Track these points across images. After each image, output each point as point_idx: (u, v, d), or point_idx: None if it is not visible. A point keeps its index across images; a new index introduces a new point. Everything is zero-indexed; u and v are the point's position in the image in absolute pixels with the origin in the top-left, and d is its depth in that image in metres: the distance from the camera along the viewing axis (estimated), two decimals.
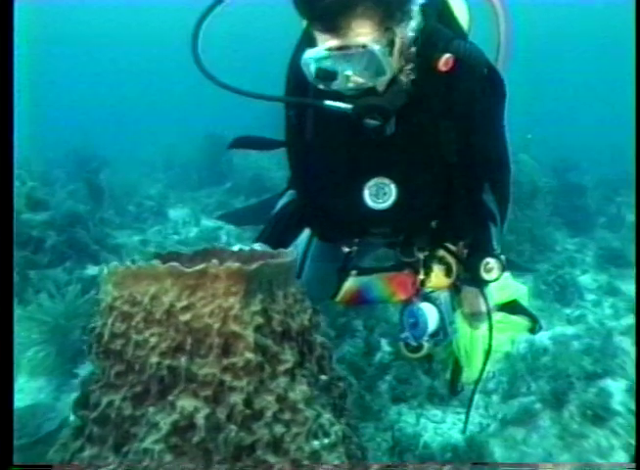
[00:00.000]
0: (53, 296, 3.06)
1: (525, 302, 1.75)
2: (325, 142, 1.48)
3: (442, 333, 1.60)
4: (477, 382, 1.66)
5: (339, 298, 1.66)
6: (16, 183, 4.46)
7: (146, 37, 24.59)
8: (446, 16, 1.53)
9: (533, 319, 1.71)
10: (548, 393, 2.84)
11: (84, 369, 2.91)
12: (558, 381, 2.92)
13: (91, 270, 3.98)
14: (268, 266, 1.14)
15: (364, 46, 1.22)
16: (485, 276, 1.55)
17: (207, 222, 6.20)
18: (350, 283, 1.65)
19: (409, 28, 1.32)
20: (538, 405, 2.80)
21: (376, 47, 1.23)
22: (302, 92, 1.42)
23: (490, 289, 1.63)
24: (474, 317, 1.64)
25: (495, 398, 2.95)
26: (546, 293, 4.45)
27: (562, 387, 2.86)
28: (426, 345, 1.60)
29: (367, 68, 1.27)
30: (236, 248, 1.54)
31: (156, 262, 1.10)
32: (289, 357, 1.13)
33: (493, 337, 1.60)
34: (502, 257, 1.58)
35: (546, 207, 5.91)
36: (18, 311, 3.05)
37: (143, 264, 1.10)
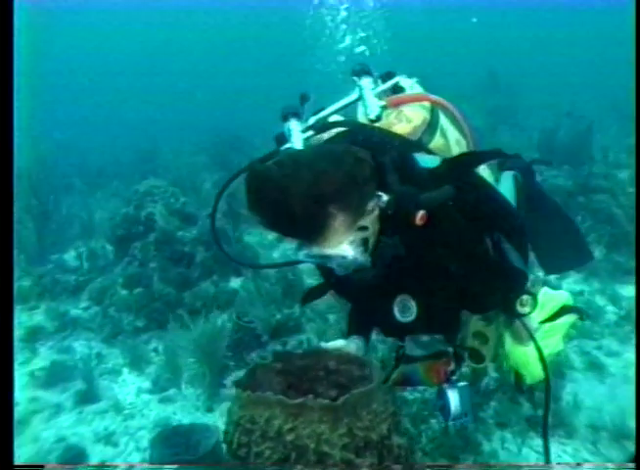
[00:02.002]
0: (202, 316, 3.71)
1: (570, 302, 1.94)
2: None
3: (464, 418, 1.86)
4: (547, 390, 1.80)
5: (391, 381, 1.95)
6: (171, 200, 5.24)
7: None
8: (409, 166, 1.62)
9: (579, 311, 1.93)
10: None
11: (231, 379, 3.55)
12: None
13: (234, 283, 4.64)
14: (353, 396, 1.47)
15: (343, 257, 1.45)
16: (522, 310, 1.74)
17: None
18: (401, 369, 1.96)
19: (381, 201, 1.49)
20: None
21: (350, 254, 1.45)
22: None
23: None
24: (522, 339, 1.86)
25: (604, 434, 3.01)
26: None
27: None
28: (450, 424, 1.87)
29: (348, 264, 1.50)
30: (336, 345, 1.90)
31: (269, 394, 1.48)
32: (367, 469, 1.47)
33: (546, 345, 1.83)
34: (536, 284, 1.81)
35: None
36: (173, 328, 3.78)
37: (260, 394, 1.49)
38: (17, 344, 4.34)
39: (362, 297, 1.83)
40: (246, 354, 3.53)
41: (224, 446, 1.61)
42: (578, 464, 2.73)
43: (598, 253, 4.90)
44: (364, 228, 1.48)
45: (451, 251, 1.62)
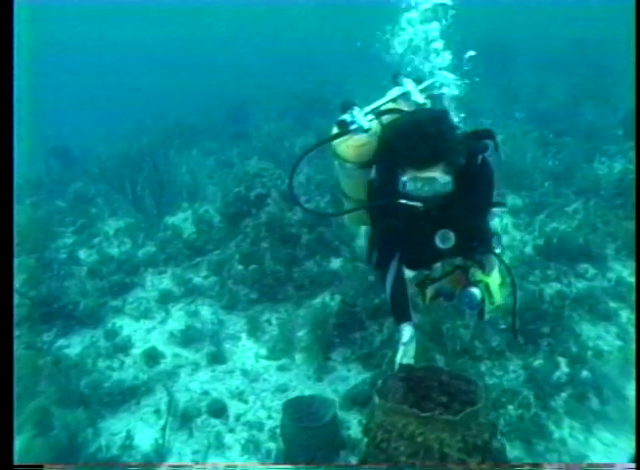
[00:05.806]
0: (309, 294, 4.35)
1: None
2: (407, 214, 2.35)
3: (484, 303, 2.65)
4: (514, 305, 2.64)
5: (427, 300, 2.74)
6: (277, 182, 5.84)
7: None
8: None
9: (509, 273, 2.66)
10: None
11: (336, 354, 4.22)
12: None
13: (334, 263, 5.24)
14: (466, 414, 2.03)
15: (440, 178, 2.18)
16: (497, 250, 2.61)
17: None
18: (430, 289, 2.75)
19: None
20: None
21: (447, 179, 2.19)
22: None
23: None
24: (489, 270, 2.68)
25: None
26: None
27: None
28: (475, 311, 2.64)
29: (440, 188, 2.21)
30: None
31: (406, 407, 2.06)
32: (474, 465, 2.04)
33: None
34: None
35: None
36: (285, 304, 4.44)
37: (399, 406, 2.08)
38: (153, 304, 5.23)
39: (416, 227, 2.46)
40: (349, 334, 4.16)
41: (365, 438, 2.23)
42: (579, 464, 3.17)
43: None
44: (451, 167, 2.22)
45: (483, 194, 2.46)
